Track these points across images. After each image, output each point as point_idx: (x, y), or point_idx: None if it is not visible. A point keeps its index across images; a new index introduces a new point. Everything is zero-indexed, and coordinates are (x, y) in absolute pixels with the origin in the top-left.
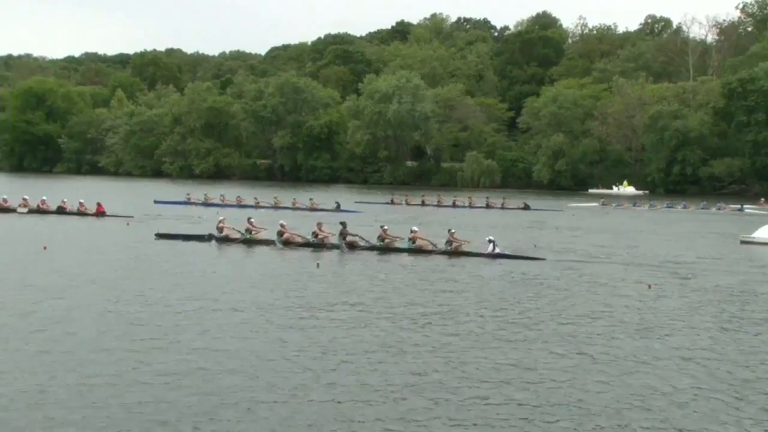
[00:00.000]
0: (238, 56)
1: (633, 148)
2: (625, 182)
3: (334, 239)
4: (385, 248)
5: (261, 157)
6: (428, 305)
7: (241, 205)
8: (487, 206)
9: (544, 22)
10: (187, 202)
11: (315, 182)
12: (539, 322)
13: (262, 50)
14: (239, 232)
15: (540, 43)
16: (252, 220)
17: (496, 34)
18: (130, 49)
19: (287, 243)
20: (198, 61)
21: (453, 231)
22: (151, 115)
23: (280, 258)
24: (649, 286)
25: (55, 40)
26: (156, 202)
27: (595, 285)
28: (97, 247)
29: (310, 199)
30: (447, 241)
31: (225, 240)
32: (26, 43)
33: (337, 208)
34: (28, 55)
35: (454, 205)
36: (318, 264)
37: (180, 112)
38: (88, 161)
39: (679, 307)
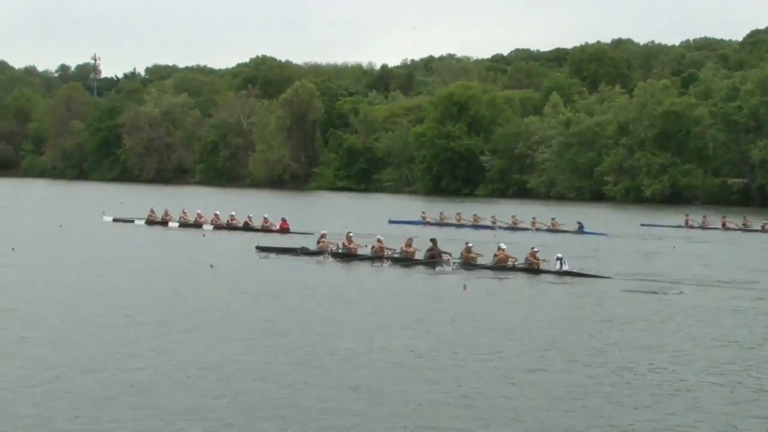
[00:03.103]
0: (705, 44)
1: None
2: None
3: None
4: (465, 264)
5: (733, 175)
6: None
7: (476, 225)
8: (763, 229)
9: None
10: (422, 222)
11: None
12: None
13: (738, 36)
14: (336, 245)
15: None
16: (351, 234)
17: None
18: (568, 42)
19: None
20: (653, 53)
21: (536, 250)
22: (591, 123)
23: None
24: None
25: (481, 36)
26: (391, 221)
27: None
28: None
29: (552, 219)
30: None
31: (319, 253)
32: (450, 43)
33: (579, 229)
34: (451, 56)
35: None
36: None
37: (627, 119)
38: (515, 181)
39: None
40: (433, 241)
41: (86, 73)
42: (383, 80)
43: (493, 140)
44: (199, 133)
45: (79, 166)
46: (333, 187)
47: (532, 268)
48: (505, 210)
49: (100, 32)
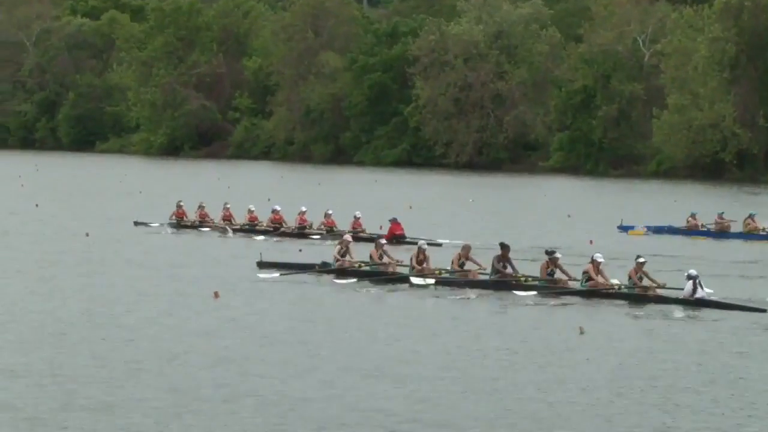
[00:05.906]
0: None
1: None
2: None
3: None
4: (550, 288)
5: None
6: None
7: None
8: None
9: None
10: (683, 230)
11: None
12: None
13: None
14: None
15: None
16: (383, 242)
17: None
18: None
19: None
20: None
21: (642, 261)
22: None
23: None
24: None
25: None
26: (620, 228)
27: None
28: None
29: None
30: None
31: (341, 272)
32: None
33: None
34: None
35: None
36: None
37: None
38: None
39: None
40: (504, 247)
41: None
42: None
43: None
44: (558, 74)
45: (334, 139)
46: None
47: (646, 294)
48: None
49: None
